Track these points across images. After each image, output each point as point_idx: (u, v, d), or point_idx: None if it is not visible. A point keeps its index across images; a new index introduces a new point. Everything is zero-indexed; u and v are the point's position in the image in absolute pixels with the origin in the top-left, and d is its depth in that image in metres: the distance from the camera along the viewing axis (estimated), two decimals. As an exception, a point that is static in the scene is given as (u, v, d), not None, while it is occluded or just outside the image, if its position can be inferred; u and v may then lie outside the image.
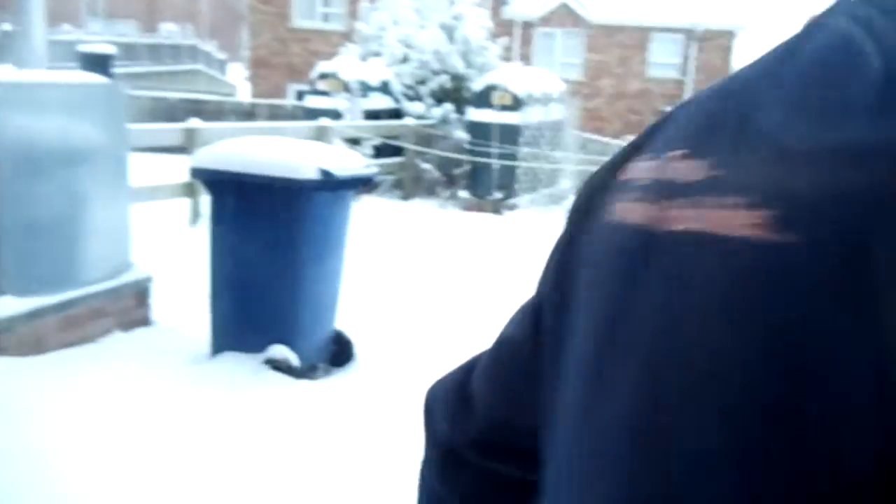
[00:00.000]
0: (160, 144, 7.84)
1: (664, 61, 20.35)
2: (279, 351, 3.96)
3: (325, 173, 3.81)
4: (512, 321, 0.55)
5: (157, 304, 4.63)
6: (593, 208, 0.42)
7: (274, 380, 3.88)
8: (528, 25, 19.78)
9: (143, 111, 13.48)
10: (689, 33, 19.88)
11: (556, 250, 0.46)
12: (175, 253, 5.69)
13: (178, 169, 6.70)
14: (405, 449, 3.40)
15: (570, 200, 8.60)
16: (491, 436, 0.56)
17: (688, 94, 20.15)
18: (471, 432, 0.58)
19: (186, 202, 7.38)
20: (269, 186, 3.83)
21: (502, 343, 0.56)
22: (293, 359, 3.94)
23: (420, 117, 10.51)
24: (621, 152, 0.44)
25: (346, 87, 10.20)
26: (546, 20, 19.90)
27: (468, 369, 0.61)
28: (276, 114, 13.32)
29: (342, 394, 3.93)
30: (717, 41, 20.21)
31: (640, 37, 19.98)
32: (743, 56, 27.36)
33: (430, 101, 10.65)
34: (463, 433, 0.59)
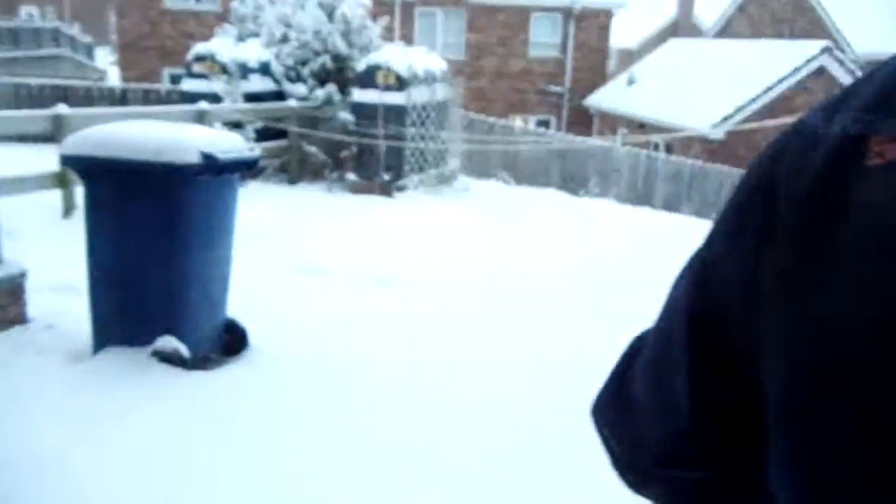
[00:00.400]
0: (24, 133, 7.36)
1: (544, 41, 20.72)
2: (167, 342, 3.82)
3: (208, 157, 3.68)
4: (671, 323, 0.56)
5: (34, 302, 4.37)
6: (837, 196, 0.41)
7: (163, 373, 3.75)
8: (408, 5, 19.70)
9: (4, 98, 12.63)
10: (567, 12, 20.32)
11: (772, 243, 0.45)
12: (49, 247, 5.37)
13: (47, 159, 6.32)
14: (302, 439, 3.36)
15: (460, 180, 8.66)
16: (667, 446, 0.56)
17: (568, 72, 20.65)
18: (644, 449, 0.58)
19: (58, 193, 6.97)
20: (149, 172, 3.67)
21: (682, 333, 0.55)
22: (183, 350, 3.81)
23: (303, 99, 10.31)
24: (839, 139, 0.42)
25: (223, 70, 9.88)
26: (426, 0, 19.89)
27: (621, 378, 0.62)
28: (149, 98, 12.75)
29: (237, 383, 3.83)
30: (594, 20, 20.75)
31: (519, 16, 20.26)
32: (620, 35, 28.22)
33: (312, 82, 10.46)
34: (633, 452, 0.60)
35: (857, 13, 21.05)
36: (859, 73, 16.35)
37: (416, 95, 9.84)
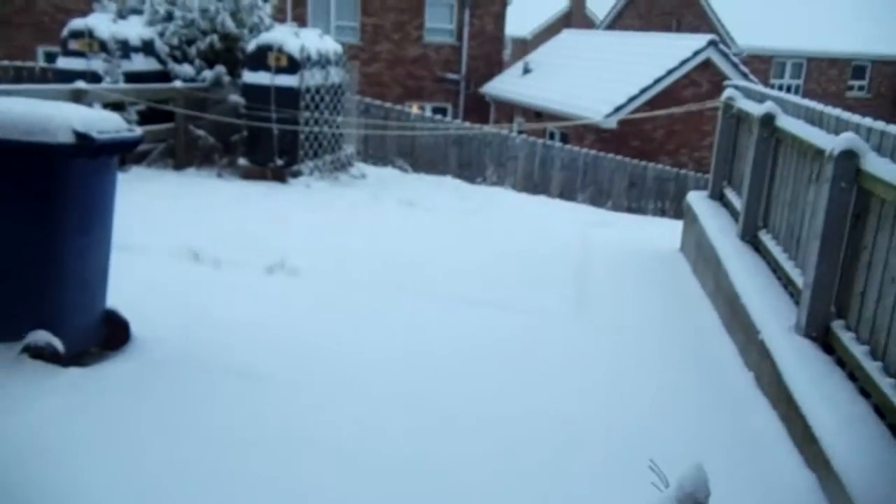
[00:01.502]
0: None
1: (440, 27, 20.66)
2: (40, 337, 3.51)
3: (83, 137, 3.39)
4: None
5: None
6: None
7: (36, 370, 3.44)
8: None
9: None
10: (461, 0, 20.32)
11: None
12: None
13: None
14: (188, 436, 3.15)
15: (356, 167, 8.49)
16: None
17: (464, 59, 20.67)
18: None
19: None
20: (17, 151, 3.35)
21: None
22: (57, 344, 3.51)
23: (190, 80, 9.84)
24: None
25: (103, 47, 9.30)
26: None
27: None
28: (21, 77, 11.88)
29: (118, 379, 3.57)
30: (490, 7, 20.82)
31: (415, 1, 20.10)
32: (515, 24, 28.48)
33: (200, 62, 9.99)
34: None
35: (740, 8, 21.98)
36: (742, 67, 17.05)
37: (310, 78, 9.56)
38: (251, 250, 5.95)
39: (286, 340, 4.27)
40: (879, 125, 3.43)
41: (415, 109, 18.80)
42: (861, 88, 24.97)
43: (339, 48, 10.43)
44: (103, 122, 3.62)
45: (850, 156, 3.47)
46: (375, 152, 13.18)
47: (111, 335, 3.90)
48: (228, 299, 4.88)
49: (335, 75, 10.20)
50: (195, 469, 2.90)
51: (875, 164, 3.30)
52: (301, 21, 18.57)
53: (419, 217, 8.23)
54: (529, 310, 5.25)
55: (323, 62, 9.85)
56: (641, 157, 15.44)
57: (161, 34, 9.99)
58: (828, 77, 23.57)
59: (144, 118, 8.90)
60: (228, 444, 3.10)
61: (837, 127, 3.91)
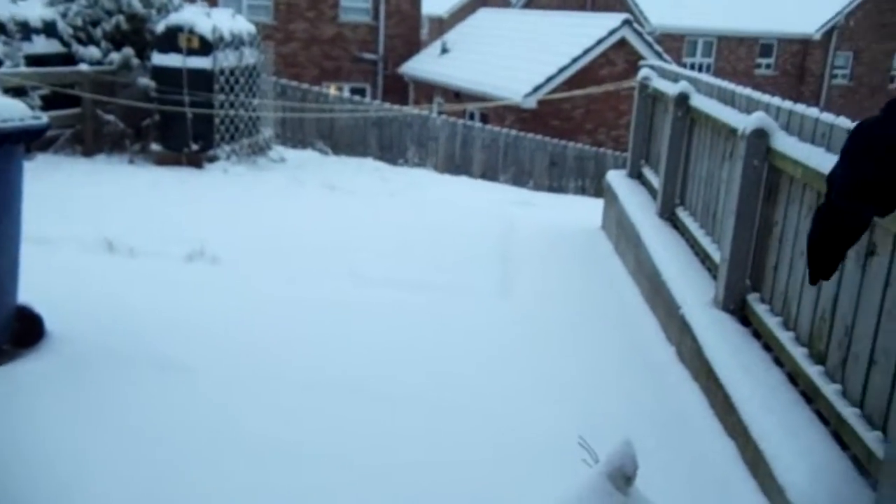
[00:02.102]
0: None
1: (356, 5, 20.38)
2: (-57, 339, 3.32)
3: (-17, 124, 3.20)
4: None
5: None
6: None
7: (-60, 374, 3.26)
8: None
9: None
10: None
11: None
12: None
13: None
14: (106, 433, 3.05)
15: (274, 150, 8.31)
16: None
17: (382, 38, 20.47)
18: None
19: None
20: None
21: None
22: (-37, 346, 3.33)
23: (97, 63, 9.43)
24: None
25: (1, 30, 8.81)
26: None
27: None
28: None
29: (32, 377, 3.41)
30: (405, -13, 20.67)
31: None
32: (431, 2, 28.32)
33: (106, 44, 9.58)
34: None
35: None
36: (656, 46, 17.39)
37: (223, 60, 9.30)
38: (168, 238, 5.77)
39: (208, 331, 4.17)
40: (787, 105, 3.55)
41: (333, 90, 18.54)
42: (768, 66, 25.92)
43: (252, 28, 10.17)
44: (5, 110, 3.43)
45: (760, 134, 3.59)
46: (294, 135, 12.96)
47: (24, 332, 3.72)
48: (146, 290, 4.73)
49: (249, 56, 9.95)
50: (111, 468, 2.80)
51: (784, 143, 3.42)
52: (212, 1, 18.03)
53: (341, 200, 8.14)
54: (455, 290, 5.26)
55: (236, 43, 9.59)
56: (561, 137, 15.66)
57: (64, 15, 9.53)
58: (737, 55, 24.34)
59: (49, 103, 8.49)
60: (150, 439, 3.01)
61: (748, 106, 4.03)
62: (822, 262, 1.74)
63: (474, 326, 4.66)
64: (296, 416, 3.34)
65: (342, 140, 13.27)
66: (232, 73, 9.50)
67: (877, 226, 2.59)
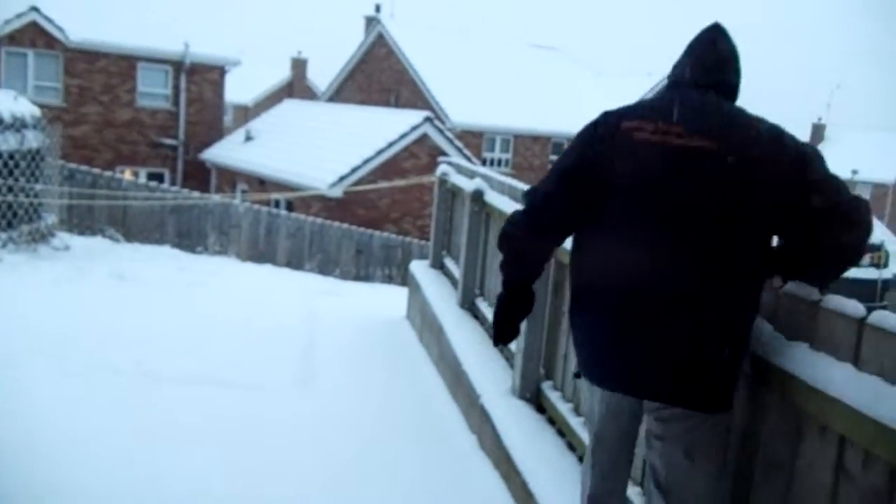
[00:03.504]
0: None
1: (154, 91, 19.77)
2: None
3: None
4: (557, 173, 2.28)
5: None
6: (611, 128, 2.16)
7: None
8: (-7, 42, 17.44)
9: None
10: (177, 65, 19.67)
11: (586, 140, 2.23)
12: None
13: None
14: None
15: (59, 237, 7.69)
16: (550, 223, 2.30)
17: (182, 124, 19.92)
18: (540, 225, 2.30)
19: None
20: None
21: (558, 175, 2.26)
22: None
23: None
24: (616, 117, 2.20)
25: None
26: (15, 39, 17.77)
27: (532, 201, 2.32)
28: None
29: None
30: (207, 74, 20.37)
31: (125, 65, 19.09)
32: (236, 90, 28.07)
33: None
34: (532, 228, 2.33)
35: (453, 88, 23.71)
36: (457, 142, 18.22)
37: (2, 143, 8.61)
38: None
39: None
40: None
41: (128, 175, 17.67)
42: (558, 162, 27.88)
43: (36, 111, 9.55)
44: None
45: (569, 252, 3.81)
46: (82, 222, 12.12)
47: None
48: None
49: (33, 139, 9.29)
50: None
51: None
52: (-7, 80, 16.83)
53: (132, 291, 7.65)
54: (253, 386, 5.04)
55: (18, 125, 8.94)
56: (368, 225, 15.85)
57: None
58: (532, 152, 26.09)
59: None
60: None
61: (537, 202, 4.28)
62: (503, 327, 2.51)
63: (270, 424, 4.46)
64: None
65: (136, 227, 12.58)
66: (11, 156, 8.80)
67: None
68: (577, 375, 2.39)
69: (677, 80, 2.25)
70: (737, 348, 2.07)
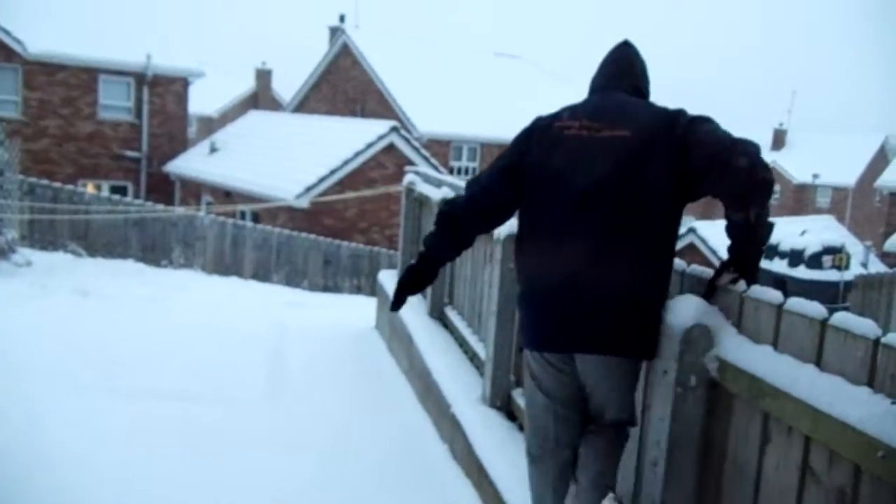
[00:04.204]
0: None
1: (116, 104, 19.49)
2: None
3: None
4: (496, 169, 2.65)
5: None
6: (545, 128, 2.56)
7: None
8: (-52, 55, 17.10)
9: None
10: (140, 77, 19.44)
11: (523, 141, 2.62)
12: None
13: None
14: None
15: (19, 253, 7.51)
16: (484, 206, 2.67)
17: (145, 137, 19.68)
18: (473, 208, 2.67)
19: None
20: None
21: (497, 172, 2.64)
22: None
23: None
24: (549, 119, 2.60)
25: None
26: (-28, 51, 17.44)
27: (474, 189, 2.69)
28: None
29: None
30: (170, 86, 20.16)
31: (86, 77, 18.80)
32: (200, 102, 27.79)
33: None
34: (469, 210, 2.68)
35: (419, 98, 23.72)
36: (423, 150, 18.24)
37: (-40, 156, 8.43)
38: None
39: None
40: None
41: (90, 189, 17.40)
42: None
43: (-5, 123, 9.37)
44: None
45: (514, 240, 3.82)
46: (44, 237, 11.92)
47: None
48: None
49: (-9, 153, 9.11)
50: None
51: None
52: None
53: (96, 307, 7.53)
54: (221, 400, 4.98)
55: (-25, 138, 8.76)
56: (335, 236, 15.78)
57: None
58: (497, 160, 26.24)
59: None
60: None
61: (504, 211, 4.29)
62: (406, 294, 2.76)
63: (238, 437, 4.41)
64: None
65: (99, 241, 12.39)
66: (-32, 170, 8.62)
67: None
68: (520, 350, 2.74)
69: (594, 88, 2.70)
70: (654, 299, 2.39)
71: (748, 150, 2.20)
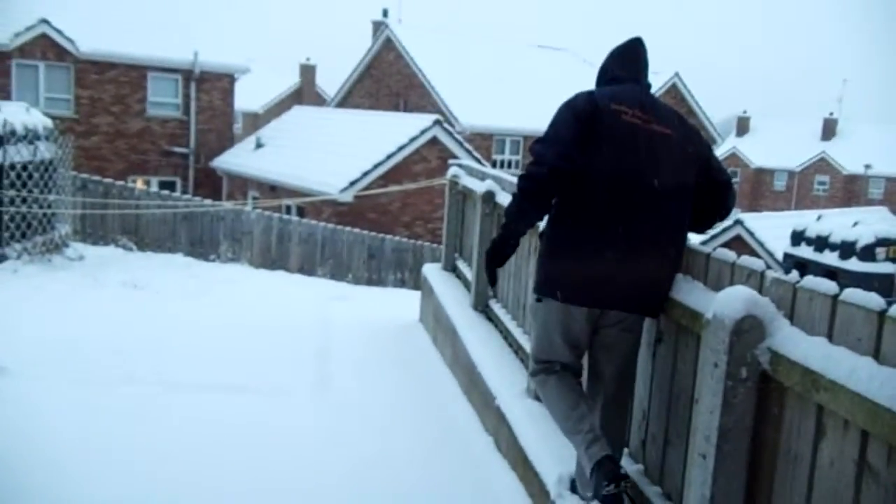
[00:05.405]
0: None
1: (164, 100, 19.86)
2: None
3: None
4: (568, 139, 2.75)
5: None
6: (606, 107, 2.76)
7: None
8: (2, 56, 17.58)
9: None
10: (187, 74, 19.77)
11: (588, 113, 2.76)
12: None
13: None
14: None
15: (72, 248, 7.75)
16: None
17: (193, 133, 20.03)
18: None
19: None
20: None
21: (571, 141, 2.75)
22: None
23: None
24: (602, 97, 2.81)
25: None
26: (25, 51, 17.91)
27: (548, 153, 2.78)
28: None
29: None
30: (217, 83, 20.46)
31: (135, 75, 19.20)
32: (245, 98, 28.16)
33: None
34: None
35: (461, 91, 23.69)
36: (466, 144, 18.20)
37: (15, 154, 8.67)
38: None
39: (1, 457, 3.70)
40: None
41: (140, 184, 17.77)
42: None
43: (48, 122, 9.62)
44: None
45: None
46: (95, 231, 12.21)
47: None
48: None
49: (45, 151, 9.36)
50: None
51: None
52: (5, 94, 16.96)
53: (146, 300, 7.69)
54: (269, 392, 5.05)
55: (31, 137, 9.01)
56: (379, 230, 15.86)
57: None
58: (540, 153, 26.08)
59: None
60: None
61: (549, 203, 4.26)
62: (497, 268, 3.04)
63: (286, 429, 4.46)
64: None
65: (149, 235, 12.65)
66: (25, 167, 8.87)
67: (662, 315, 2.78)
68: (538, 300, 2.96)
69: (616, 77, 2.94)
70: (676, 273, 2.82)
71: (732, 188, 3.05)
